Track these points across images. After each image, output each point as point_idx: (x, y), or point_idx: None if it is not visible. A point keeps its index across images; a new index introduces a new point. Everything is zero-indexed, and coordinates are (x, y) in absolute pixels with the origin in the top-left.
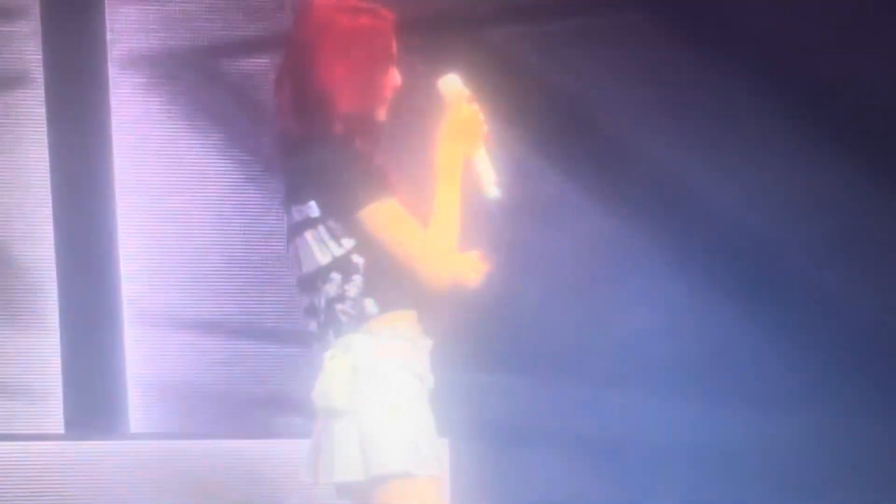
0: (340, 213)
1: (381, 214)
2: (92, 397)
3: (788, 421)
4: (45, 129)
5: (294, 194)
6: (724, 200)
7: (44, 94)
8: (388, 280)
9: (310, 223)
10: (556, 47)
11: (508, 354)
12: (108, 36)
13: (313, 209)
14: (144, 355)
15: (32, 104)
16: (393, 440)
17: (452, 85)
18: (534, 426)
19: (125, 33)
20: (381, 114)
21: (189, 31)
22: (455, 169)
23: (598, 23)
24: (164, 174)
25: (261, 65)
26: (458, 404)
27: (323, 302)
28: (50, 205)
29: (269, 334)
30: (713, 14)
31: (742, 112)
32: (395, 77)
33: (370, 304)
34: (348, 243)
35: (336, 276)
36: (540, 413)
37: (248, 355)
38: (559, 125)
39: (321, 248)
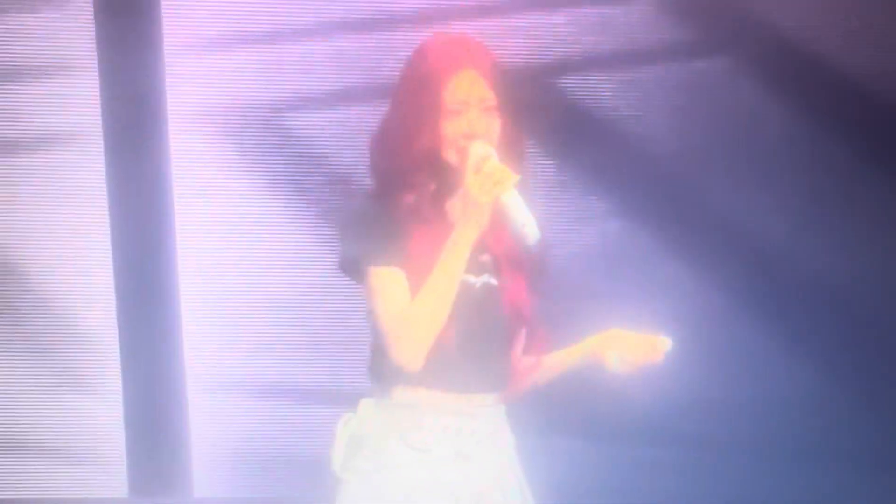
0: (351, 271)
1: (374, 279)
2: (156, 461)
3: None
4: (104, 189)
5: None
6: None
7: (103, 154)
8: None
9: None
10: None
11: (590, 418)
12: (168, 89)
13: None
14: (208, 418)
15: (91, 164)
16: None
17: (478, 151)
18: (613, 489)
19: (185, 87)
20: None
21: (251, 86)
22: (461, 245)
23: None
24: (227, 234)
25: (321, 121)
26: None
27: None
28: (111, 267)
29: (336, 396)
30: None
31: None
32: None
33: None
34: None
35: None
36: (620, 477)
37: (314, 418)
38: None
39: None
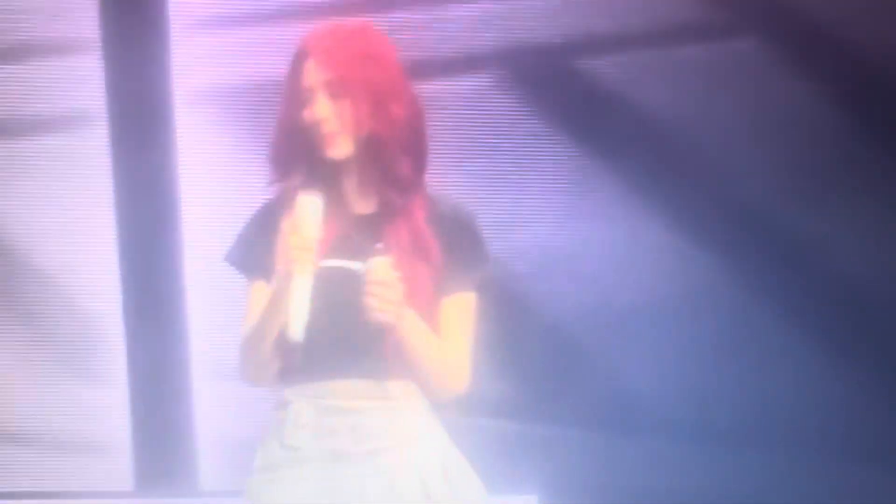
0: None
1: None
2: (162, 453)
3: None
4: (110, 172)
5: None
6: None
7: (108, 136)
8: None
9: None
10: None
11: (588, 408)
12: (174, 70)
13: None
14: (215, 410)
15: (95, 145)
16: None
17: (309, 204)
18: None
19: (191, 66)
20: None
21: (259, 65)
22: (275, 294)
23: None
24: (235, 219)
25: None
26: (544, 459)
27: None
28: (116, 255)
29: None
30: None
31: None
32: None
33: None
34: None
35: None
36: (623, 468)
37: None
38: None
39: None
